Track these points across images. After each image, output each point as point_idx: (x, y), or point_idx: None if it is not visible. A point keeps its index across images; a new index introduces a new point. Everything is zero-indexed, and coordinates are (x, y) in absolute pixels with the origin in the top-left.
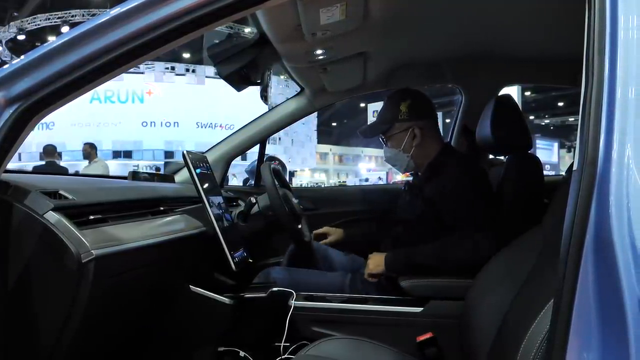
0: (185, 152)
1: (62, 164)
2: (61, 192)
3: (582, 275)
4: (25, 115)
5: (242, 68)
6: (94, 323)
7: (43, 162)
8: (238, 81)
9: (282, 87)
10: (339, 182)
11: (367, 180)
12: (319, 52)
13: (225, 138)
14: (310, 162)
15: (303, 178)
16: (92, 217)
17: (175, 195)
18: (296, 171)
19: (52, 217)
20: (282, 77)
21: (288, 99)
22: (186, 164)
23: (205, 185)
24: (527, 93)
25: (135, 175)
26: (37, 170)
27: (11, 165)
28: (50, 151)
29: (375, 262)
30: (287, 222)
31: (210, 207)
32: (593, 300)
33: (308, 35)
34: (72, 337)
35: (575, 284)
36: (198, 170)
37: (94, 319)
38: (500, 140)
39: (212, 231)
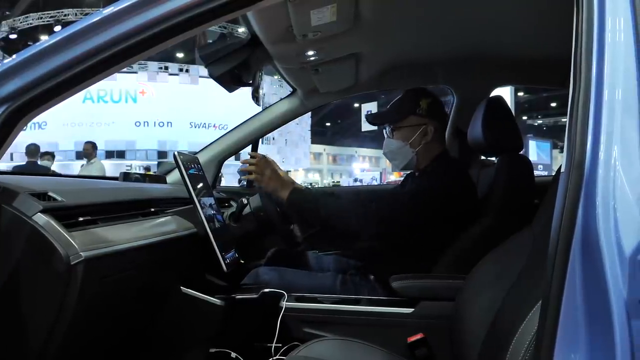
0: (176, 152)
1: (55, 163)
2: (50, 193)
3: (570, 277)
4: (14, 116)
5: (234, 69)
6: (83, 325)
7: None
8: (229, 82)
9: (276, 88)
10: (333, 182)
11: (360, 180)
12: (310, 53)
13: (218, 138)
14: (304, 162)
15: (297, 178)
16: (81, 218)
17: (166, 196)
18: (290, 171)
19: (41, 218)
20: (276, 77)
21: (280, 100)
22: (177, 165)
23: (197, 186)
24: (520, 94)
25: (126, 176)
26: (16, 170)
27: (3, 165)
28: (33, 151)
29: (282, 186)
30: (278, 223)
31: (202, 208)
32: (580, 302)
33: (299, 36)
34: (61, 339)
35: (563, 285)
36: (189, 171)
37: (83, 320)
38: (491, 142)
39: (203, 232)
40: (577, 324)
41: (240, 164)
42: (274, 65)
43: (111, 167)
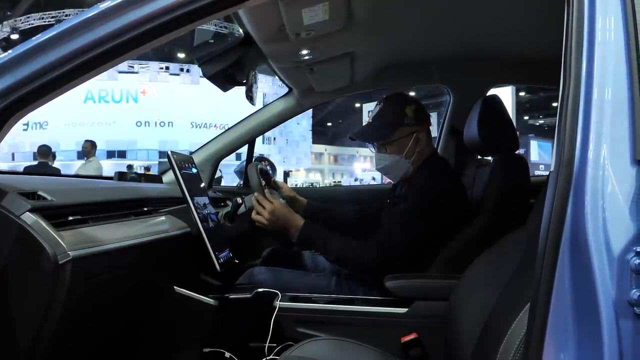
0: (170, 152)
1: (55, 163)
2: (40, 192)
3: (559, 276)
4: (4, 115)
5: (228, 68)
6: (72, 324)
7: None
8: (223, 81)
9: (277, 87)
10: (334, 182)
11: (360, 180)
12: (304, 52)
13: (214, 138)
14: (305, 162)
15: (298, 178)
16: (71, 218)
17: (160, 195)
18: (291, 171)
19: (29, 218)
20: (276, 77)
21: (276, 99)
22: (171, 165)
23: (191, 186)
24: (522, 93)
25: (121, 175)
26: (27, 170)
27: (5, 165)
28: (44, 152)
29: (291, 223)
30: None
31: (196, 207)
32: (569, 301)
33: (292, 35)
34: (49, 339)
35: (552, 284)
36: (183, 171)
37: (72, 320)
38: (487, 141)
39: (197, 232)
40: (565, 324)
41: (238, 165)
42: (268, 64)
43: (112, 167)
